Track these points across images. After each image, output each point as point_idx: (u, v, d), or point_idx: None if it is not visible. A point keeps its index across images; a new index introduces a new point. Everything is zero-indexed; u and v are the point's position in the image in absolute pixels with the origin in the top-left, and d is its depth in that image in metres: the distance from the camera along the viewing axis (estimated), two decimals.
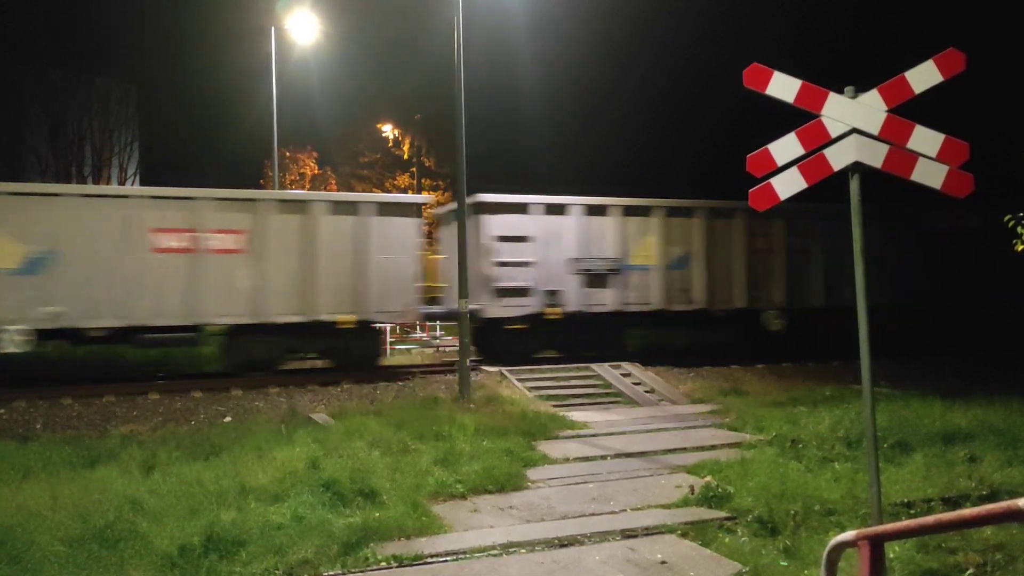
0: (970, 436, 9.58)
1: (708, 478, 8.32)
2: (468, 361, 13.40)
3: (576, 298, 17.20)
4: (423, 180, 38.83)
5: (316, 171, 40.44)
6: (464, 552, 6.36)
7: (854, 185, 5.50)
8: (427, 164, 40.04)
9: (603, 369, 15.81)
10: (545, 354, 17.46)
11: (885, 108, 5.36)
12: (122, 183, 36.06)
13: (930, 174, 5.31)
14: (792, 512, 6.77)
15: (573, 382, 15.34)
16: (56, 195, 14.47)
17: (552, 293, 17.02)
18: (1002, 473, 7.93)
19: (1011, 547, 5.79)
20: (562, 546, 6.56)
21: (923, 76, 5.29)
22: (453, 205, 16.48)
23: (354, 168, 40.79)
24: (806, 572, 5.62)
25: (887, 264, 19.02)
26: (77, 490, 7.54)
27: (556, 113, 38.33)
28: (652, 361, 16.78)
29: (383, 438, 9.86)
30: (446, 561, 6.20)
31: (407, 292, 16.00)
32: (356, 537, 6.42)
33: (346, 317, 15.47)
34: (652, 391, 14.81)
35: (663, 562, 6.08)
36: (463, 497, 8.04)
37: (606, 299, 17.46)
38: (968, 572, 5.55)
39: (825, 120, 5.48)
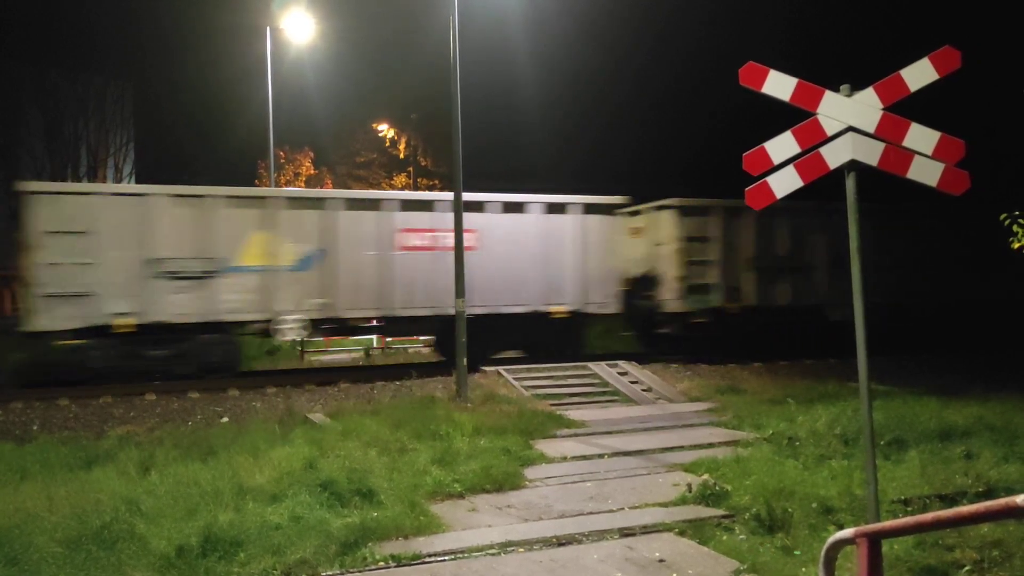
0: (966, 433, 9.61)
1: (705, 476, 8.34)
2: (465, 360, 13.40)
3: (157, 306, 14.46)
4: (420, 179, 38.80)
5: (312, 171, 40.42)
6: (462, 551, 6.37)
7: (850, 183, 5.51)
8: (423, 163, 40.01)
9: (600, 368, 15.81)
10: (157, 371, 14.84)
11: (881, 106, 5.37)
12: (118, 183, 36.02)
13: (926, 172, 5.32)
14: (789, 510, 6.78)
15: (570, 381, 15.34)
16: None
17: (125, 299, 14.30)
18: (998, 470, 7.96)
19: (1008, 543, 5.81)
20: (560, 545, 6.57)
21: (918, 74, 5.30)
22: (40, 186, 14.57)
23: (351, 168, 40.76)
24: (804, 570, 5.63)
25: (875, 261, 18.78)
26: (74, 491, 7.54)
27: (552, 110, 38.33)
28: (649, 359, 16.79)
29: (380, 438, 9.87)
30: (444, 560, 6.21)
31: None
32: (354, 537, 6.42)
33: None
34: (649, 389, 14.82)
35: (661, 560, 6.09)
36: (461, 496, 8.05)
37: (198, 306, 14.70)
38: (965, 568, 5.57)
39: (821, 118, 5.49)
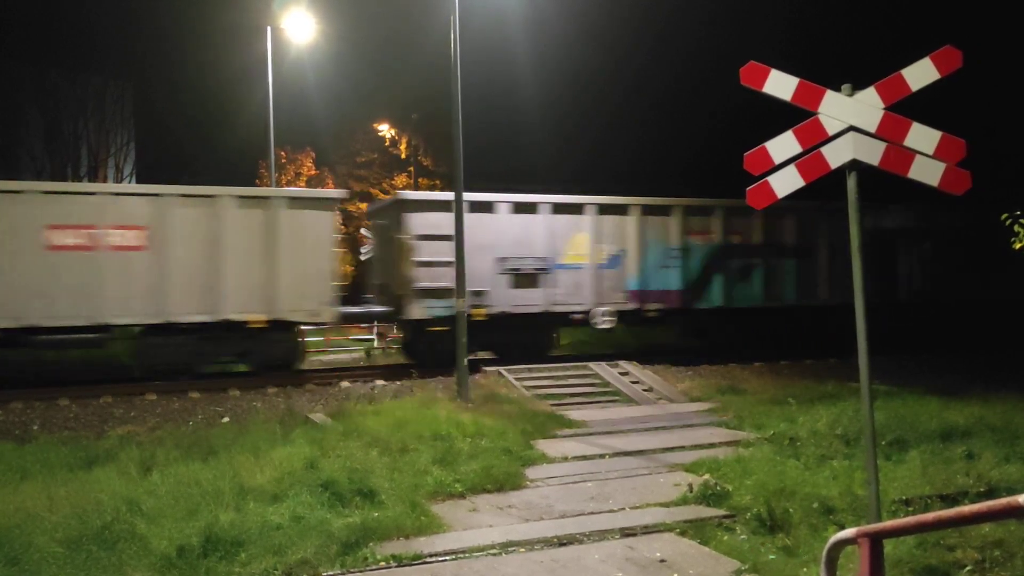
0: (967, 433, 9.61)
1: (706, 476, 8.34)
2: (466, 360, 13.39)
3: None
4: (420, 179, 38.79)
5: (313, 171, 40.41)
6: (463, 551, 6.36)
7: (851, 183, 5.50)
8: (424, 163, 40.00)
9: (601, 368, 15.81)
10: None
11: (882, 106, 5.36)
12: (118, 183, 36.01)
13: (927, 171, 5.31)
14: (790, 510, 6.78)
15: (571, 381, 15.33)
16: None
17: None
18: (1000, 470, 7.95)
19: (1009, 543, 5.80)
20: (561, 545, 6.56)
21: (920, 73, 5.29)
22: None
23: (351, 168, 40.74)
24: (805, 570, 5.63)
25: (875, 261, 18.59)
26: (75, 491, 7.53)
27: (552, 110, 38.38)
28: (650, 360, 16.79)
29: (381, 438, 9.86)
30: (445, 560, 6.20)
31: None
32: (355, 537, 6.42)
33: None
34: (650, 389, 14.82)
35: (662, 560, 6.09)
36: (462, 496, 8.05)
37: None
38: (966, 568, 5.56)
39: (822, 118, 5.48)
